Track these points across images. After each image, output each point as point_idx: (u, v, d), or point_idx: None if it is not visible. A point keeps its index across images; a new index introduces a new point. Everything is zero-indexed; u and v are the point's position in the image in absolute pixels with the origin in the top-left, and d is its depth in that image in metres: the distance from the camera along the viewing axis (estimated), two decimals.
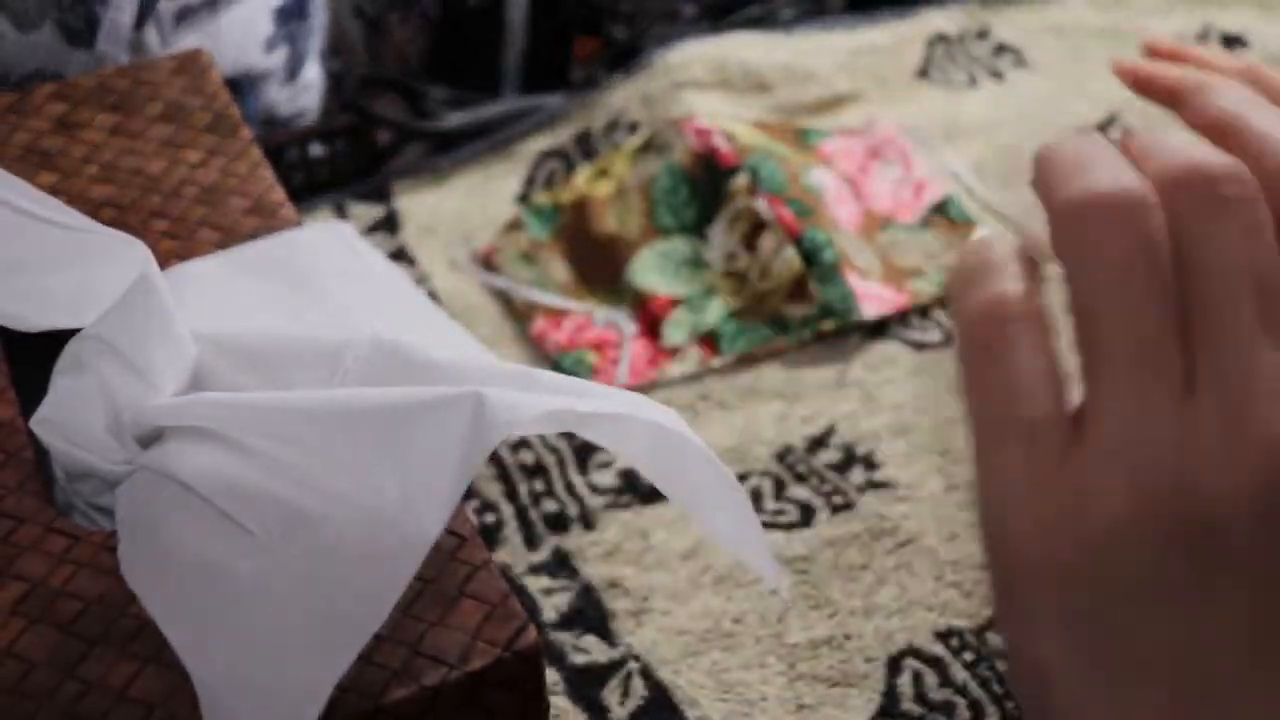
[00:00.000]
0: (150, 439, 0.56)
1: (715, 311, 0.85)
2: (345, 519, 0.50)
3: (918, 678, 0.69)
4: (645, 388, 0.82)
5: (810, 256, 0.84)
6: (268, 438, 0.52)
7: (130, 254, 0.59)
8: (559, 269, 0.89)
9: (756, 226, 0.86)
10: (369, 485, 0.50)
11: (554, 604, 0.72)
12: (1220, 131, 0.48)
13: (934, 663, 0.69)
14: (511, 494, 0.77)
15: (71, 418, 0.56)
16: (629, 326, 0.85)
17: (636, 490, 0.77)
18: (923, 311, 0.86)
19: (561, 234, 0.90)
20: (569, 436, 0.81)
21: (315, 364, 0.57)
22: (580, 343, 0.84)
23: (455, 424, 0.49)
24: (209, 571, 0.51)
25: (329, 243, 0.66)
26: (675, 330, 0.85)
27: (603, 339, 0.85)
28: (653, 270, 0.87)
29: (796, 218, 0.84)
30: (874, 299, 0.84)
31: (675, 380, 0.83)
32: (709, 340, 0.84)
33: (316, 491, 0.51)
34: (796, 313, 0.84)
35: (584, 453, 0.79)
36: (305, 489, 0.51)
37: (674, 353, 0.84)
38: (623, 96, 0.97)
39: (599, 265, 0.88)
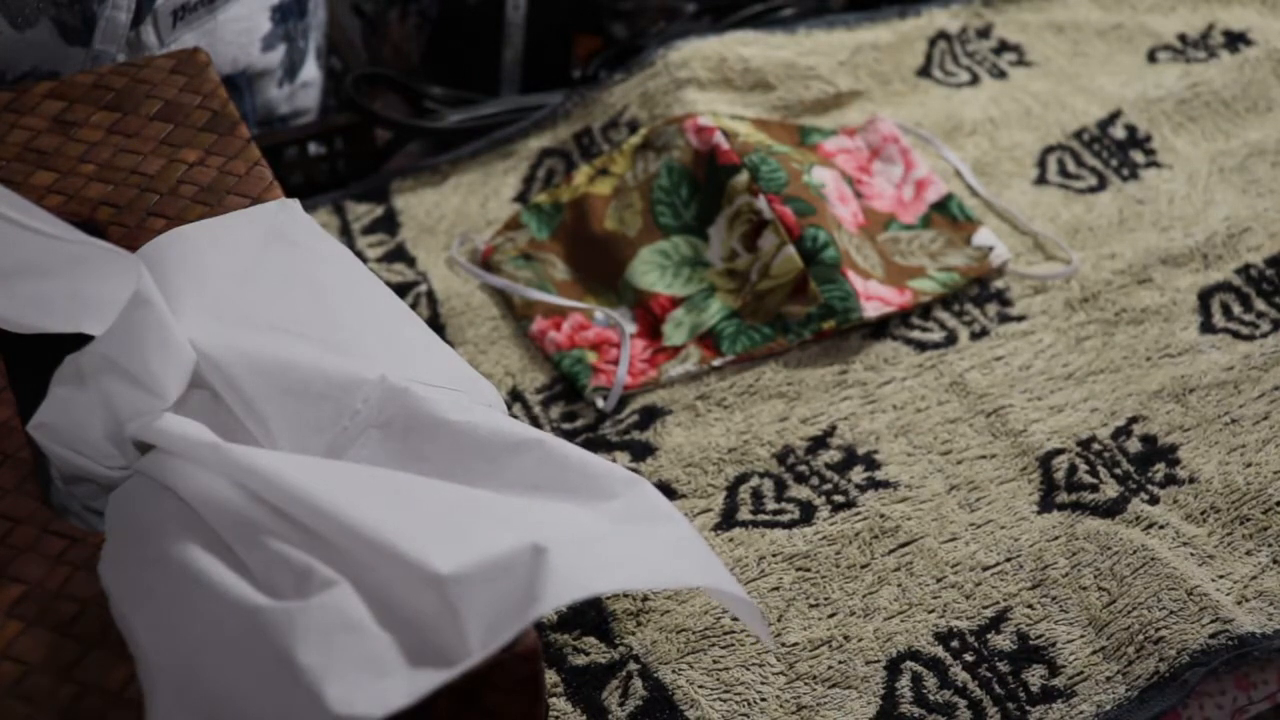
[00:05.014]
0: (149, 445, 0.56)
1: (715, 311, 0.85)
2: (372, 597, 0.50)
3: (917, 680, 0.68)
4: (645, 386, 0.82)
5: (811, 256, 0.83)
6: (291, 508, 0.52)
7: (123, 267, 0.59)
8: (558, 268, 0.88)
9: (757, 225, 0.85)
10: (406, 593, 0.50)
11: None
12: None
13: (934, 664, 0.69)
14: None
15: (69, 424, 0.56)
16: (628, 326, 0.85)
17: None
18: (924, 311, 0.86)
19: (561, 233, 0.90)
20: (567, 419, 0.81)
21: (324, 395, 0.57)
22: (579, 342, 0.84)
23: (512, 584, 0.49)
24: (197, 588, 0.51)
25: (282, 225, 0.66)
26: (675, 330, 0.84)
27: (602, 338, 0.84)
28: (653, 269, 0.87)
29: (797, 217, 0.84)
30: (875, 298, 0.84)
31: (675, 380, 0.82)
32: (709, 340, 0.84)
33: (343, 568, 0.51)
34: (797, 312, 0.83)
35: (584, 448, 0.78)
36: (327, 557, 0.51)
37: (674, 352, 0.84)
38: (623, 95, 0.97)
39: (599, 264, 0.88)
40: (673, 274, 0.87)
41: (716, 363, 0.83)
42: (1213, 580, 0.71)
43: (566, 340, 0.84)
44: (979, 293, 0.87)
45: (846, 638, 0.70)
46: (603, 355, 0.83)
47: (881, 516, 0.75)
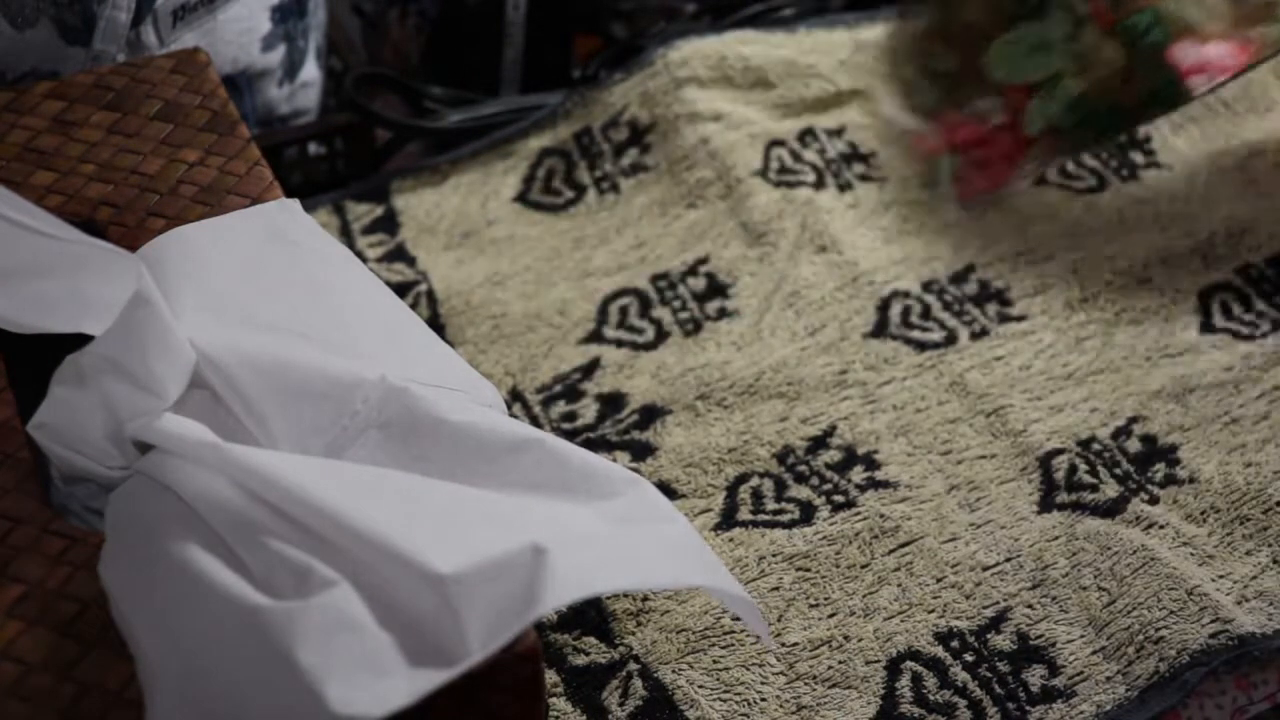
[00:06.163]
0: (149, 445, 0.56)
1: (1062, 98, 0.86)
2: (372, 596, 0.50)
3: (917, 680, 0.68)
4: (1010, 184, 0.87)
5: (1135, 40, 0.83)
6: (291, 508, 0.52)
7: (124, 267, 0.59)
8: (946, 58, 0.92)
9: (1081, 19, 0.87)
10: (407, 591, 0.50)
11: None
12: None
13: (934, 664, 0.69)
14: None
15: (69, 424, 0.56)
16: (997, 116, 0.88)
17: None
18: (924, 311, 0.86)
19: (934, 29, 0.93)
20: (567, 419, 0.81)
21: (324, 395, 0.57)
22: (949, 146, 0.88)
23: (512, 584, 0.49)
24: (197, 588, 0.51)
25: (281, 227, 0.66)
26: (1032, 121, 0.87)
27: (971, 135, 0.88)
28: (1005, 62, 0.88)
29: (1109, 8, 0.85)
30: (1204, 70, 0.83)
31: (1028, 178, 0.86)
32: (1054, 133, 0.86)
33: (343, 568, 0.50)
34: (1128, 101, 0.85)
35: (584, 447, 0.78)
36: (327, 556, 0.51)
37: (1030, 143, 0.86)
38: (623, 94, 0.97)
39: (969, 56, 0.90)
40: (1025, 59, 0.88)
41: (1059, 160, 0.86)
42: (1213, 580, 0.71)
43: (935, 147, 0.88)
44: (979, 292, 0.87)
45: (846, 638, 0.70)
46: (968, 155, 0.87)
47: (881, 516, 0.75)
